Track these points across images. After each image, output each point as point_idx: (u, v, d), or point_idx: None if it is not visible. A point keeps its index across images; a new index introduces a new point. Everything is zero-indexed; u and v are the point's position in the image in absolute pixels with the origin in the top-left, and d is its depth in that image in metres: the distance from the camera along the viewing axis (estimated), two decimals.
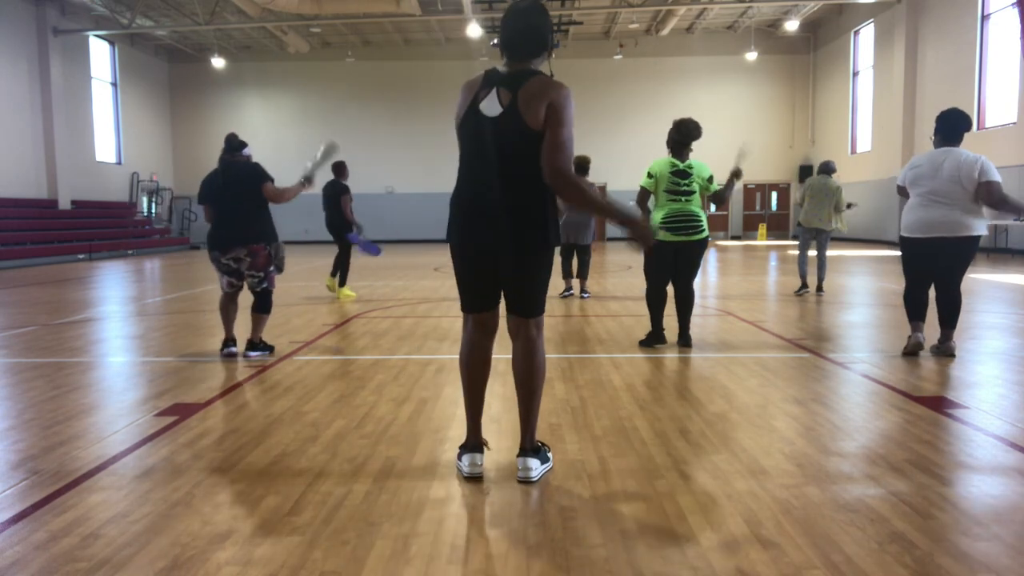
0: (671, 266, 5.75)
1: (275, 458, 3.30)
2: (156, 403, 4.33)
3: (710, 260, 16.83)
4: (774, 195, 28.59)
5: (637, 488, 2.90)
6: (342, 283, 9.72)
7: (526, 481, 2.97)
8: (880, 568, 2.22)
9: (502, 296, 3.06)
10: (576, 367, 5.18)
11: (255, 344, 5.71)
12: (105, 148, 24.31)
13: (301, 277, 12.71)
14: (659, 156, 5.82)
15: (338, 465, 3.20)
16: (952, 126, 5.24)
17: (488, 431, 3.67)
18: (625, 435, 3.58)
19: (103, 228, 21.96)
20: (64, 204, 21.18)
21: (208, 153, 27.48)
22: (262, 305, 5.69)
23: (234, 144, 5.66)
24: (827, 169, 9.29)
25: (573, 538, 2.46)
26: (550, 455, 3.16)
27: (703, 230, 5.69)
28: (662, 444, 3.44)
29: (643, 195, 5.80)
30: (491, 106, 2.87)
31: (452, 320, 7.27)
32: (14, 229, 18.20)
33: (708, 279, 12.22)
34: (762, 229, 27.32)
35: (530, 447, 3.04)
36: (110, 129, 24.74)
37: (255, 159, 5.83)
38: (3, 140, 19.31)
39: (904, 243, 5.43)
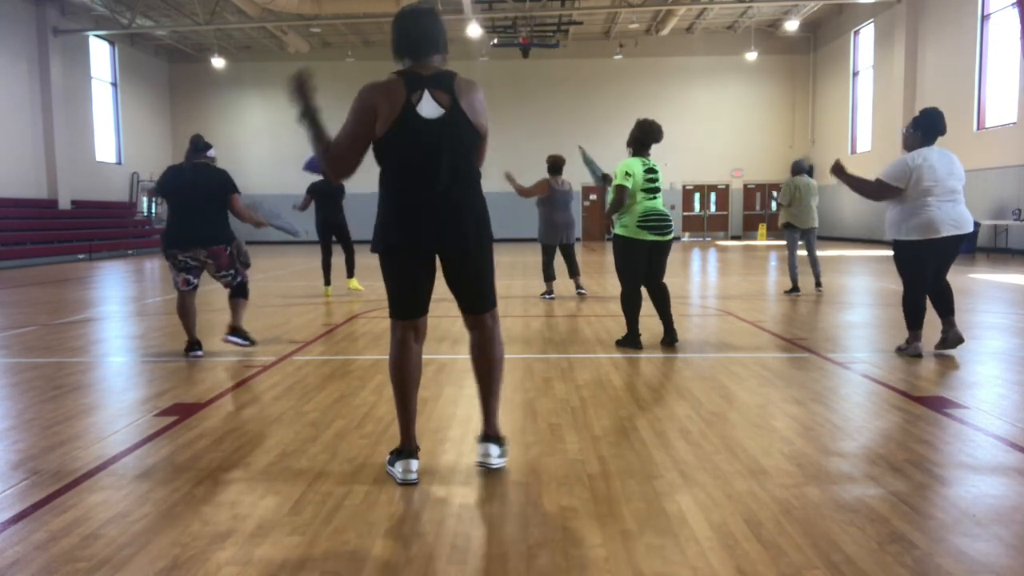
0: (644, 265, 5.77)
1: (275, 458, 3.30)
2: (156, 403, 4.33)
3: (710, 260, 16.83)
4: (774, 195, 28.58)
5: (637, 488, 2.90)
6: (351, 274, 9.77)
7: (485, 466, 3.06)
8: (880, 568, 2.22)
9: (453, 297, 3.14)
10: (576, 367, 5.18)
11: (237, 330, 5.79)
12: (105, 148, 24.31)
13: (301, 277, 12.71)
14: (656, 158, 5.86)
15: (338, 465, 3.20)
16: (935, 127, 5.23)
17: None
18: (625, 435, 3.58)
19: (103, 228, 21.96)
20: (64, 204, 21.18)
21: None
22: (241, 292, 5.80)
23: (199, 145, 5.72)
24: (804, 168, 9.40)
25: (573, 538, 2.46)
26: (507, 450, 3.20)
27: (673, 229, 5.80)
28: (662, 444, 3.44)
29: (623, 195, 5.64)
30: (430, 108, 2.87)
31: (451, 320, 7.27)
32: (14, 229, 18.20)
33: (708, 279, 12.23)
34: (762, 229, 27.31)
35: (493, 434, 3.12)
36: (110, 129, 24.75)
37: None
38: (3, 140, 19.31)
39: (907, 248, 5.26)
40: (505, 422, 3.81)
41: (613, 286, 10.72)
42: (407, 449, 3.06)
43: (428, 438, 3.57)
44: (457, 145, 2.91)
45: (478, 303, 3.08)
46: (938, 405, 4.08)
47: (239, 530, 2.55)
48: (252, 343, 5.87)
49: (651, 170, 5.73)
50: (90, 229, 21.15)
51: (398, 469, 3.01)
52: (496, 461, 3.09)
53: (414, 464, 3.03)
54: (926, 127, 5.24)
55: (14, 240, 17.97)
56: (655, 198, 5.71)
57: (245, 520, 2.63)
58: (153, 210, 27.21)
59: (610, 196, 5.83)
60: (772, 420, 3.82)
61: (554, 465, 3.17)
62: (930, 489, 2.85)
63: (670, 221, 5.74)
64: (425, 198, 2.90)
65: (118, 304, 9.72)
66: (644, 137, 5.73)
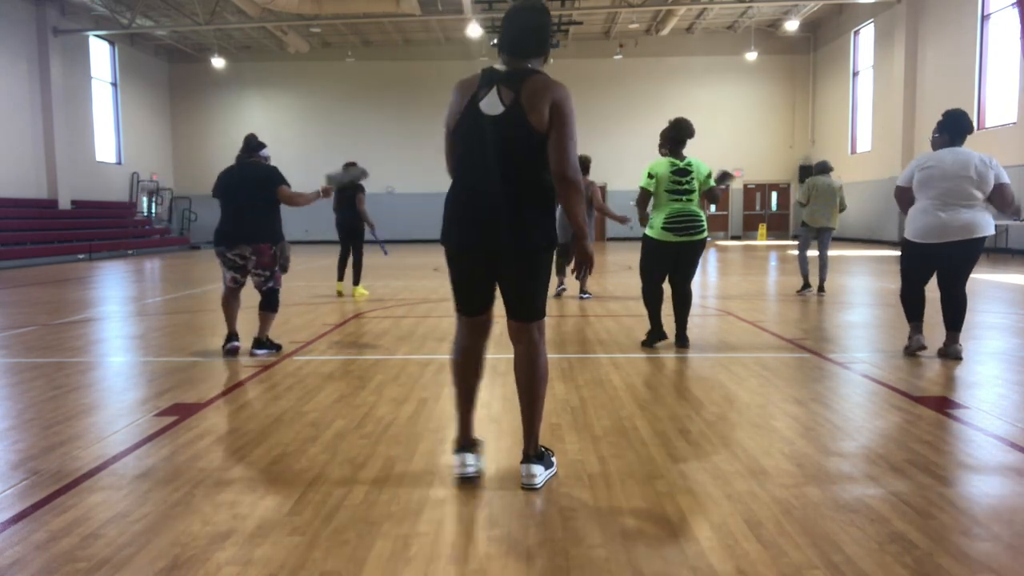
0: (669, 266, 5.76)
1: (275, 458, 3.30)
2: (156, 403, 4.33)
3: (710, 260, 16.83)
4: (774, 195, 28.59)
5: (637, 488, 2.90)
6: (356, 281, 9.73)
7: (530, 488, 2.90)
8: (880, 568, 2.22)
9: (498, 297, 3.03)
10: (576, 367, 5.17)
11: (262, 342, 5.78)
12: (105, 148, 24.31)
13: (302, 277, 12.71)
14: (649, 157, 5.87)
15: (338, 465, 3.20)
16: (960, 127, 5.16)
17: (488, 431, 3.68)
18: (625, 435, 3.58)
19: (103, 228, 21.96)
20: (64, 204, 21.18)
21: (208, 153, 27.57)
22: (269, 304, 5.76)
23: (252, 144, 5.78)
24: (826, 168, 9.36)
25: (573, 538, 2.46)
26: (554, 460, 3.10)
27: (704, 230, 5.69)
28: (662, 444, 3.44)
29: (644, 197, 5.77)
30: (492, 104, 2.82)
31: (452, 320, 7.28)
32: (14, 229, 18.19)
33: (708, 279, 12.22)
34: (762, 229, 27.31)
35: (533, 453, 2.98)
36: (110, 129, 24.75)
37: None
38: (3, 140, 19.31)
39: (912, 248, 5.25)
40: (505, 422, 3.82)
41: (614, 286, 10.72)
42: (462, 442, 3.07)
43: (428, 438, 3.58)
44: (511, 144, 2.80)
45: (517, 309, 2.94)
46: (938, 405, 4.08)
47: (239, 530, 2.54)
48: (278, 348, 5.87)
49: (681, 171, 5.61)
50: (90, 229, 21.14)
51: (456, 462, 3.04)
52: (540, 481, 2.93)
53: (470, 458, 3.03)
54: (950, 129, 5.19)
55: (14, 240, 17.96)
56: (683, 200, 5.59)
57: (245, 520, 2.63)
58: (153, 210, 27.22)
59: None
60: (772, 420, 3.82)
61: (556, 468, 3.16)
62: (930, 489, 2.85)
63: (698, 221, 5.62)
64: (474, 192, 2.88)
65: (118, 304, 9.72)
66: (678, 134, 5.64)
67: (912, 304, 5.35)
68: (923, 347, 5.32)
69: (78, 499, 2.84)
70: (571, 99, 2.84)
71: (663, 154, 5.76)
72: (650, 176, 5.64)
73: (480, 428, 3.73)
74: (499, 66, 2.93)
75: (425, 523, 2.60)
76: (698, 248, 5.70)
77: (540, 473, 2.95)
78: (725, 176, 6.12)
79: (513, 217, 2.83)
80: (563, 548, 2.39)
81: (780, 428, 3.68)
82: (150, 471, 3.16)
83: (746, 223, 28.58)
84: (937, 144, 5.27)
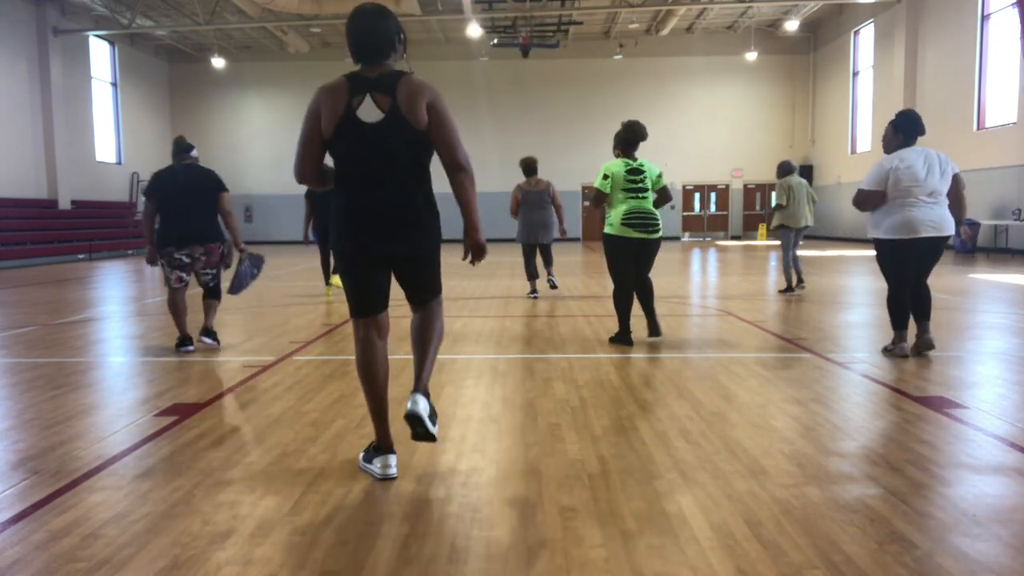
0: (633, 262, 5.86)
1: (275, 458, 3.30)
2: (156, 403, 4.33)
3: (710, 260, 16.84)
4: (774, 196, 28.55)
5: (637, 488, 2.89)
6: (335, 271, 9.78)
7: (413, 415, 2.89)
8: (880, 568, 2.22)
9: (411, 292, 3.14)
10: (576, 367, 5.18)
11: (209, 331, 5.94)
12: (105, 148, 24.31)
13: (301, 277, 12.72)
14: (648, 157, 6.04)
15: (338, 465, 3.20)
16: (916, 128, 5.26)
17: (488, 432, 3.68)
18: (625, 435, 3.58)
19: (103, 228, 21.96)
20: (64, 204, 21.17)
21: (207, 153, 27.37)
22: (215, 294, 5.98)
23: (183, 146, 5.95)
24: (793, 168, 9.49)
25: (573, 538, 2.46)
26: (435, 410, 3.07)
27: (660, 228, 5.88)
28: (662, 444, 3.44)
29: (599, 197, 5.86)
30: (370, 112, 2.90)
31: (451, 320, 7.27)
32: (14, 229, 18.20)
33: (708, 279, 12.22)
34: (762, 229, 27.27)
35: (422, 389, 3.01)
36: (110, 129, 24.74)
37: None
38: (3, 140, 19.30)
39: (887, 247, 5.29)
40: (504, 421, 3.82)
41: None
42: (385, 445, 3.08)
43: None
44: (398, 148, 2.91)
45: (423, 297, 3.12)
46: (938, 405, 4.08)
47: (239, 530, 2.55)
48: (218, 343, 5.98)
49: (635, 171, 5.81)
50: (90, 229, 21.15)
51: (376, 465, 3.04)
52: (423, 409, 2.91)
53: (392, 459, 3.05)
54: (906, 128, 5.26)
55: (14, 240, 17.96)
56: (640, 198, 5.78)
57: (245, 520, 2.63)
58: None
59: None
60: (772, 420, 3.82)
61: (554, 465, 3.16)
62: (930, 489, 2.85)
63: (656, 220, 5.83)
64: (367, 201, 2.93)
65: (118, 304, 9.72)
66: (631, 137, 5.88)
67: (901, 310, 5.37)
68: (907, 355, 5.34)
69: (78, 499, 2.84)
70: (443, 97, 2.98)
71: (616, 155, 5.96)
72: (605, 177, 5.79)
73: (480, 428, 3.74)
74: (360, 71, 2.97)
75: (425, 523, 2.60)
76: (655, 246, 5.90)
77: (424, 403, 2.94)
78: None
79: (412, 220, 2.96)
80: (563, 548, 2.39)
81: (780, 428, 3.68)
82: (150, 471, 3.16)
83: (746, 223, 28.56)
84: (893, 144, 5.32)
